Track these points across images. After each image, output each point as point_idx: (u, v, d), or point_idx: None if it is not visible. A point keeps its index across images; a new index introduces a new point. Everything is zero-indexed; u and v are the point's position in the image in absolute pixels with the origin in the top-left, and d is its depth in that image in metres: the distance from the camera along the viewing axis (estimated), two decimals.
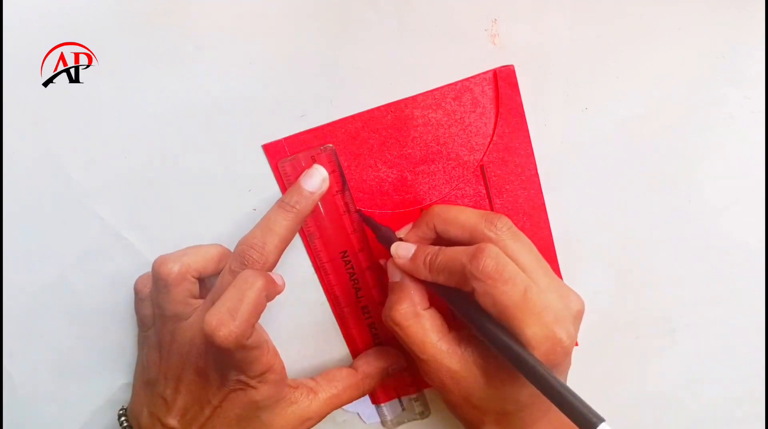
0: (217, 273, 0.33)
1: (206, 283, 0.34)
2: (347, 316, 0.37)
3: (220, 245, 0.34)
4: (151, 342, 0.33)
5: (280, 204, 0.32)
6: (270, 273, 0.32)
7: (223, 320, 0.28)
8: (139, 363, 0.35)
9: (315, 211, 0.34)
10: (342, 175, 0.34)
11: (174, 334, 0.32)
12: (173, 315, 0.32)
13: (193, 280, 0.32)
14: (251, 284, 0.29)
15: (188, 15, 0.30)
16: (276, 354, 0.32)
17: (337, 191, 0.34)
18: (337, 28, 0.31)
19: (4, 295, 0.35)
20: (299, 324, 0.37)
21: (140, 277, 0.34)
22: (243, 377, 0.30)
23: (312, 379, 0.35)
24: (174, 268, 0.31)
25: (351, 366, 0.36)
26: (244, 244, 0.31)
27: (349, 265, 0.35)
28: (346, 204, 0.34)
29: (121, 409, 0.35)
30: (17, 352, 0.36)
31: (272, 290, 0.31)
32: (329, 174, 0.33)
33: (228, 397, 0.31)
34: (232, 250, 0.33)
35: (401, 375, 0.38)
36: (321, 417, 0.34)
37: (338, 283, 0.36)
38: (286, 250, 0.34)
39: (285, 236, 0.32)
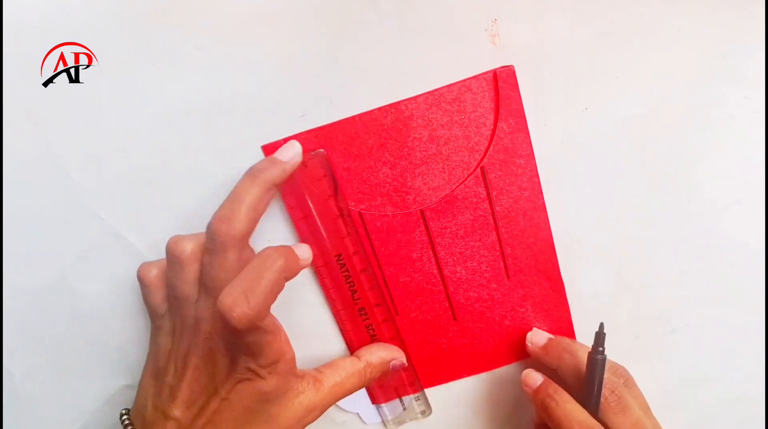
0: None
1: None
2: (344, 319, 0.37)
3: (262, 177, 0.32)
4: (164, 328, 0.33)
5: (248, 172, 0.31)
6: (295, 245, 0.32)
7: (238, 300, 0.28)
8: (150, 355, 0.34)
9: (309, 216, 0.34)
10: (334, 179, 0.34)
11: (184, 318, 0.32)
12: (184, 296, 0.32)
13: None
14: (271, 264, 0.29)
15: (188, 15, 0.30)
16: (288, 342, 0.31)
17: (329, 195, 0.34)
18: (337, 29, 0.31)
19: (4, 294, 0.35)
20: (299, 324, 0.37)
21: (142, 265, 0.33)
22: (253, 365, 0.30)
23: (316, 369, 0.35)
24: (188, 247, 0.31)
25: (354, 355, 0.36)
26: (213, 217, 0.31)
27: (344, 268, 0.35)
28: (339, 208, 0.34)
29: (123, 410, 0.35)
30: (17, 351, 0.36)
31: (294, 268, 0.31)
32: (321, 178, 0.33)
33: (236, 389, 0.31)
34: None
35: (402, 374, 0.38)
36: (326, 407, 0.34)
37: (334, 286, 0.36)
38: None
39: (253, 204, 0.30)
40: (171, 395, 0.32)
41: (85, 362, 0.37)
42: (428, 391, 0.39)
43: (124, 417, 0.34)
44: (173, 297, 0.32)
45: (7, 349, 0.36)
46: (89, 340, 0.36)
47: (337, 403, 0.39)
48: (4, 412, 0.37)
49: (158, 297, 0.33)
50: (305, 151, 0.33)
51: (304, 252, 0.32)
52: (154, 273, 0.33)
